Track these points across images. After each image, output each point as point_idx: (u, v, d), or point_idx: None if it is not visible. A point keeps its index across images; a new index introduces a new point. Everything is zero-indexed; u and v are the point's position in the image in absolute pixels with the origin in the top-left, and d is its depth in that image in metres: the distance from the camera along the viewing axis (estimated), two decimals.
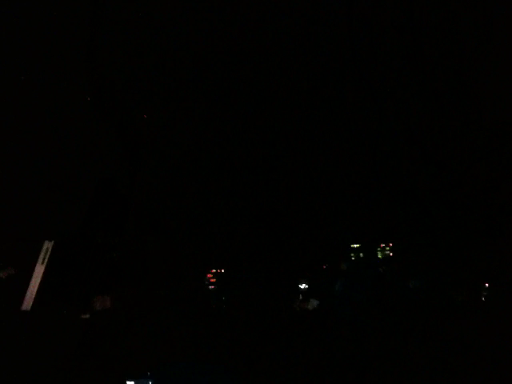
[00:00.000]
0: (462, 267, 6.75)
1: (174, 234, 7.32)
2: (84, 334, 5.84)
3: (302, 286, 6.93)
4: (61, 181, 6.90)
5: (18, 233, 6.14)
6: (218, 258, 7.33)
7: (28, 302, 5.69)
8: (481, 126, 7.29)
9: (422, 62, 7.53)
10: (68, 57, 7.51)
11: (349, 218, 7.36)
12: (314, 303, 6.66)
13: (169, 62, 7.68)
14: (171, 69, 7.70)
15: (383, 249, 7.18)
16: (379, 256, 7.15)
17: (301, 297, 6.84)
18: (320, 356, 5.97)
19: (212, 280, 7.21)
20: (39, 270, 5.78)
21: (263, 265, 7.23)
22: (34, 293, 5.71)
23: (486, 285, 6.65)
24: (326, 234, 7.32)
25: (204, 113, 7.74)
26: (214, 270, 7.25)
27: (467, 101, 7.38)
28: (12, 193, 6.69)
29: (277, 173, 7.62)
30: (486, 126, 7.27)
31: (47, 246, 5.84)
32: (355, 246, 7.21)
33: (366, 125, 7.63)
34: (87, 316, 5.98)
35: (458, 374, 5.68)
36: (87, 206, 6.68)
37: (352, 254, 7.19)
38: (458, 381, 5.67)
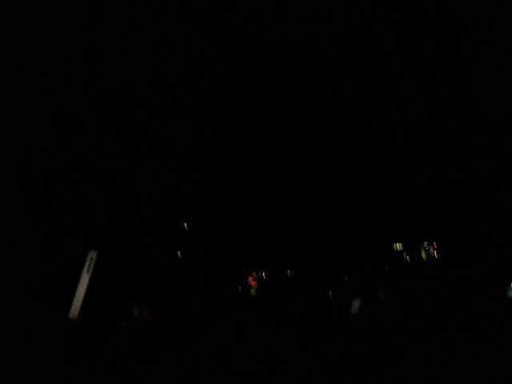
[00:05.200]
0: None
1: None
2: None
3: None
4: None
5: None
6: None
7: (75, 311, 5.86)
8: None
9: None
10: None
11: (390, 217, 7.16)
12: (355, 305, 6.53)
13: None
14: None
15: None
16: (423, 256, 6.78)
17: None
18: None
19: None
20: (85, 279, 5.91)
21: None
22: (81, 302, 5.85)
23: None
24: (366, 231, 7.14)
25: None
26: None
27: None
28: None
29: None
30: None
31: (92, 255, 5.94)
32: (398, 245, 6.79)
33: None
34: (127, 323, 6.08)
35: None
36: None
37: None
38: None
